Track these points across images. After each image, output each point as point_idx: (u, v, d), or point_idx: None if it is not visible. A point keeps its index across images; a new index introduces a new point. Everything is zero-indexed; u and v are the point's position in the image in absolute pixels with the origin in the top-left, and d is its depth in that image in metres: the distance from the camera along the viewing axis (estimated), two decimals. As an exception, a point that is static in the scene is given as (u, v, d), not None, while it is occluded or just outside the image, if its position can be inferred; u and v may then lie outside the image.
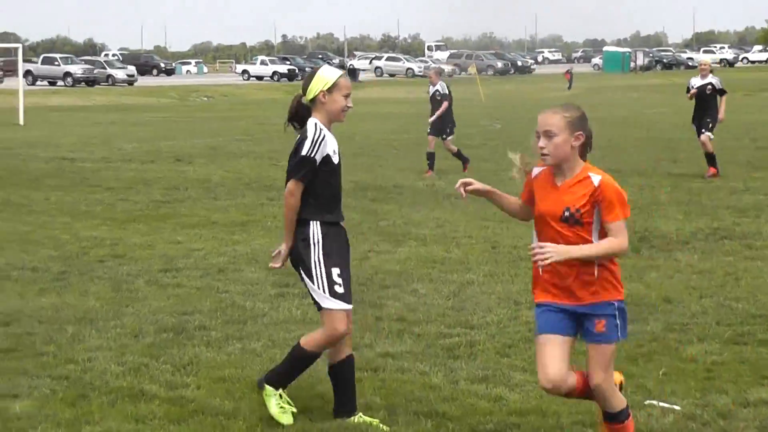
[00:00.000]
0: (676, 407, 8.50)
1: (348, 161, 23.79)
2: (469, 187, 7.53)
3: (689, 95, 25.01)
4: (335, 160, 8.62)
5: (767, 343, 10.35)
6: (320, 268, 8.30)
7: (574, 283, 6.80)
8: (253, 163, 28.90)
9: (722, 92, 24.62)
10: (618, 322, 6.84)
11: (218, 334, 10.91)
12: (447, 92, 26.28)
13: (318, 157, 8.42)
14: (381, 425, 8.23)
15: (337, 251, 8.49)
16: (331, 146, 8.57)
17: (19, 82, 55.48)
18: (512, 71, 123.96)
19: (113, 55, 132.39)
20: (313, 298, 8.38)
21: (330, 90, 8.56)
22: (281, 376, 8.47)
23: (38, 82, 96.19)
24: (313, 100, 8.54)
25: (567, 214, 6.60)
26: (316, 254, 8.33)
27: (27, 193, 22.42)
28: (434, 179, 24.15)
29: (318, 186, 8.54)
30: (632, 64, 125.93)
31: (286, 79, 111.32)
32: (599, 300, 6.76)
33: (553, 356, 6.76)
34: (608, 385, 6.83)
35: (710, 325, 11.03)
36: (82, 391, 9.12)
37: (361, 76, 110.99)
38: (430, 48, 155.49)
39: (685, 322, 11.15)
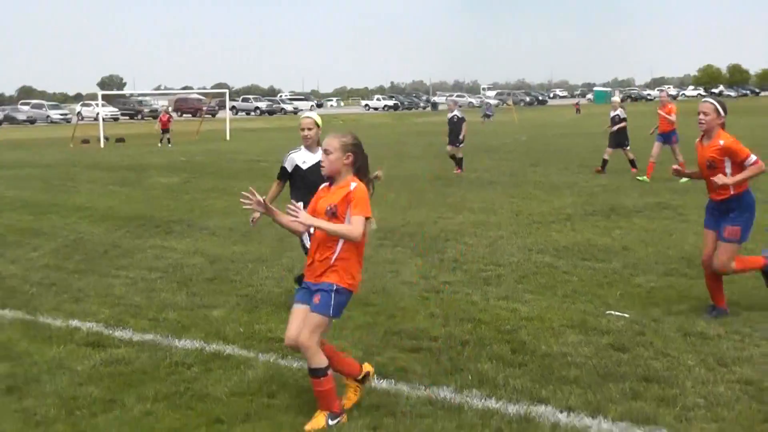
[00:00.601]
0: (626, 315, 8.41)
1: (429, 161, 23.81)
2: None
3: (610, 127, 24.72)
4: (303, 167, 8.97)
5: (686, 275, 10.18)
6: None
7: (316, 264, 5.97)
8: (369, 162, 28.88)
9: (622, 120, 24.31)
10: (331, 301, 5.85)
11: (341, 269, 10.95)
12: (463, 116, 24.96)
13: (287, 166, 9.04)
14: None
15: None
16: (300, 158, 9.03)
17: (226, 113, 55.99)
18: (535, 103, 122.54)
19: (285, 95, 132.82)
20: None
21: (298, 126, 9.24)
22: None
23: (239, 113, 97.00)
24: None
25: (328, 208, 6.08)
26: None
27: (229, 182, 22.61)
28: (463, 174, 23.69)
29: (294, 182, 9.03)
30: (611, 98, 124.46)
31: (392, 109, 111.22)
32: (324, 281, 5.89)
33: (291, 321, 5.99)
34: (309, 344, 5.79)
35: (651, 264, 10.87)
36: (256, 304, 9.21)
37: (440, 107, 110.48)
38: (484, 88, 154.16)
39: (635, 262, 10.99)
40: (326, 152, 6.04)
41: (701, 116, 8.46)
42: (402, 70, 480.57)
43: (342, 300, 5.94)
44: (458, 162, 24.38)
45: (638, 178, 20.99)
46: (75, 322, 8.49)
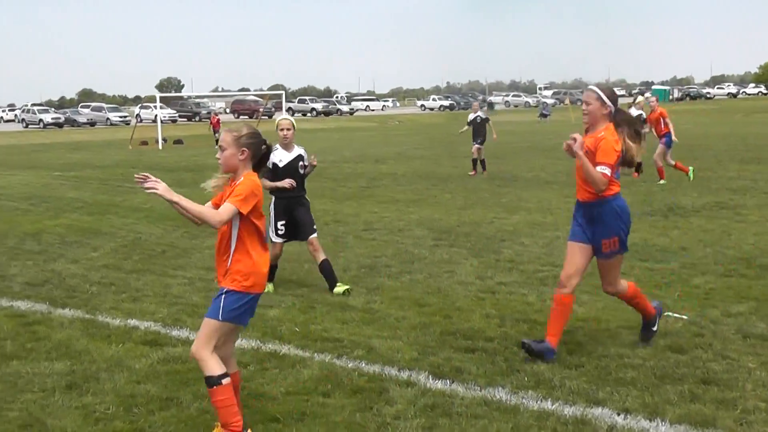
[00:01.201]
0: (685, 317, 8.31)
1: (486, 160, 23.67)
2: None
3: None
4: (280, 165, 9.89)
5: (746, 276, 10.06)
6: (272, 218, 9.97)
7: (219, 269, 5.68)
8: (424, 162, 28.92)
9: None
10: (221, 304, 5.49)
11: (396, 270, 10.95)
12: (487, 117, 25.03)
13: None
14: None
15: (282, 211, 10.02)
16: (277, 157, 9.88)
17: (283, 115, 56.31)
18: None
19: (341, 96, 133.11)
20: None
21: (276, 127, 10.10)
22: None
23: (295, 114, 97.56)
24: None
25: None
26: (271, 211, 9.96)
27: (284, 182, 22.76)
28: (484, 175, 23.56)
29: (272, 179, 9.76)
30: (671, 96, 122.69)
31: (448, 109, 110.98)
32: (220, 285, 5.60)
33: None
34: (199, 354, 5.46)
35: (710, 264, 10.73)
36: (311, 304, 9.24)
37: (496, 107, 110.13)
38: (540, 88, 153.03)
39: (693, 263, 10.85)
40: (221, 148, 5.71)
41: (584, 106, 7.42)
42: (458, 70, 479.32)
43: (232, 302, 5.53)
44: (482, 163, 24.18)
45: (659, 182, 20.28)
46: (133, 321, 8.59)
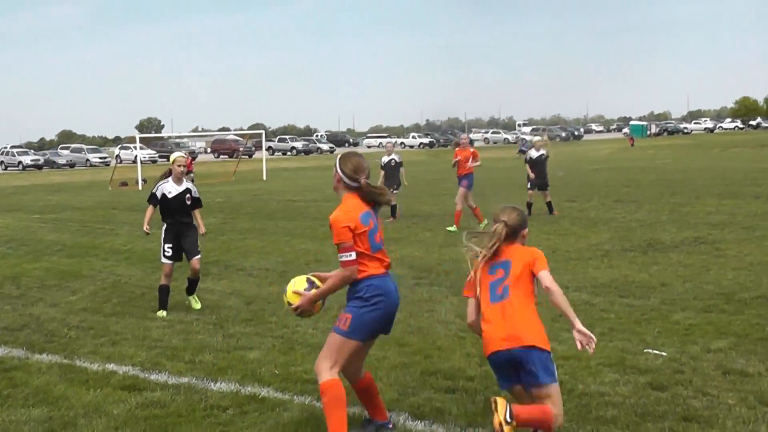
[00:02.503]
0: (664, 353, 8.34)
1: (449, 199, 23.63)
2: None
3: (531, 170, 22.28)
4: (169, 196, 11.25)
5: (725, 311, 10.11)
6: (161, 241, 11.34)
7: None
8: (405, 200, 28.88)
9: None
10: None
11: (376, 309, 10.94)
12: (401, 161, 23.11)
13: (156, 192, 11.32)
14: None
15: (171, 237, 11.23)
16: (167, 189, 11.31)
17: (263, 154, 56.51)
18: (571, 138, 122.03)
19: (321, 135, 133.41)
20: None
21: (173, 162, 11.42)
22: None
23: (275, 153, 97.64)
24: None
25: None
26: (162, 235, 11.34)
27: (265, 222, 22.77)
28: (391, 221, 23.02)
29: (161, 208, 11.30)
30: (648, 132, 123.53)
31: (428, 147, 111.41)
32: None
33: None
34: None
35: (689, 300, 10.78)
36: (292, 345, 9.22)
37: (476, 144, 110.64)
38: (519, 124, 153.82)
39: (673, 298, 10.91)
40: None
41: None
42: (437, 108, 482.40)
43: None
44: (393, 210, 22.30)
45: (448, 228, 19.51)
46: (112, 366, 8.54)
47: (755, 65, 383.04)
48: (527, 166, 22.64)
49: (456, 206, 20.06)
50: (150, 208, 11.39)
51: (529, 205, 21.71)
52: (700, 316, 9.93)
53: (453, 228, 19.25)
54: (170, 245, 11.23)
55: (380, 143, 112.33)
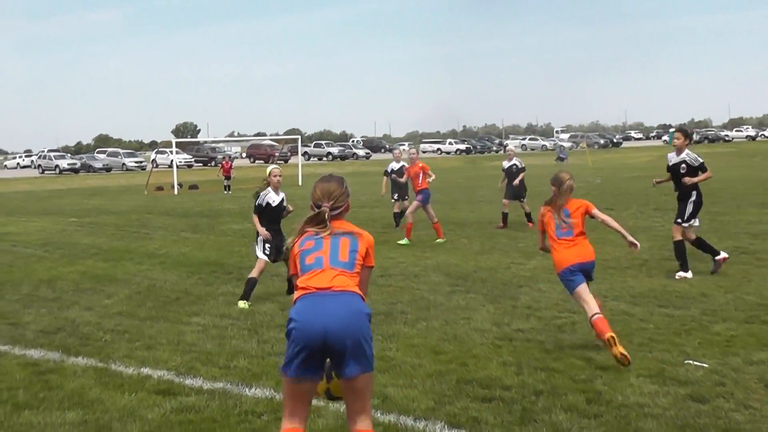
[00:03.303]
0: (705, 365, 8.22)
1: (501, 205, 23.53)
2: None
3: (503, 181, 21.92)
4: (273, 205, 12.49)
5: (767, 322, 10.00)
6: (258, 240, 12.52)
7: None
8: (441, 207, 28.80)
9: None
10: None
11: (412, 316, 10.90)
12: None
13: (262, 203, 12.46)
14: None
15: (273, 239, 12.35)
16: (271, 198, 12.50)
17: (299, 159, 56.78)
18: (610, 145, 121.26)
19: (357, 141, 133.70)
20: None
21: (269, 174, 12.62)
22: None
23: (311, 159, 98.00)
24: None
25: None
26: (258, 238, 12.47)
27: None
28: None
29: (262, 216, 12.45)
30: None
31: (464, 153, 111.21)
32: None
33: None
34: None
35: (730, 311, 10.64)
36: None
37: (514, 150, 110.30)
38: (557, 131, 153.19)
39: (714, 309, 10.77)
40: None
41: None
42: (474, 114, 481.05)
43: None
44: (395, 217, 22.38)
45: (399, 242, 18.78)
46: (146, 370, 8.58)
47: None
48: (502, 174, 22.54)
49: (407, 219, 19.31)
50: (255, 217, 12.50)
51: (504, 215, 21.77)
52: (742, 327, 9.80)
53: (404, 241, 18.67)
54: (269, 245, 12.40)
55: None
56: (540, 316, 10.75)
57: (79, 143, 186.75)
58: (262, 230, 12.36)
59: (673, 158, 13.75)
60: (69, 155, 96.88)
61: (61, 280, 14.59)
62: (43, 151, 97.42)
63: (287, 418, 5.39)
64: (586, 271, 8.95)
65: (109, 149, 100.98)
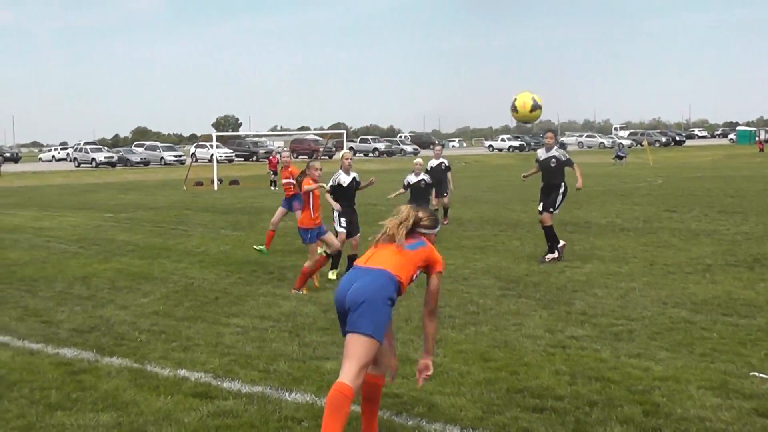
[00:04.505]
0: (772, 378, 8.14)
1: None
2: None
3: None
4: (344, 185, 14.67)
5: (841, 334, 9.84)
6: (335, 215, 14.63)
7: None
8: (492, 206, 28.80)
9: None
10: None
11: (460, 321, 10.88)
12: (449, 165, 23.20)
13: (334, 183, 14.66)
14: None
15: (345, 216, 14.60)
16: (342, 179, 14.71)
17: (345, 148, 56.72)
18: (672, 144, 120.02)
19: (405, 136, 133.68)
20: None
21: (342, 157, 15.06)
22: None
23: (357, 154, 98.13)
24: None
25: None
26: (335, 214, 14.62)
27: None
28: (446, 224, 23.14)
29: (336, 195, 14.58)
30: (756, 138, 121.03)
31: (517, 150, 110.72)
32: None
33: None
34: None
35: (801, 321, 10.52)
36: (370, 356, 9.21)
37: (569, 148, 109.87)
38: (616, 128, 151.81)
39: (782, 319, 10.66)
40: None
41: None
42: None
43: None
44: (445, 213, 23.31)
45: (255, 246, 18.27)
46: (183, 372, 8.65)
47: None
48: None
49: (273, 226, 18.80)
50: (328, 195, 14.44)
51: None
52: (812, 338, 9.67)
53: (261, 247, 18.08)
54: (345, 220, 14.53)
55: (490, 145, 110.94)
56: (595, 322, 10.67)
57: (116, 136, 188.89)
58: (335, 204, 14.36)
59: (543, 154, 16.63)
60: (106, 148, 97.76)
61: (96, 278, 14.76)
62: (78, 144, 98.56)
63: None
64: None
65: (148, 143, 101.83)
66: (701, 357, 8.96)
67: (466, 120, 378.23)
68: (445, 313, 11.33)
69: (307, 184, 13.41)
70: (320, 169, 13.56)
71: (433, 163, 22.80)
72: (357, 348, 6.03)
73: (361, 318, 6.04)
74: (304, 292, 13.07)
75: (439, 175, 22.56)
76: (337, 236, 14.40)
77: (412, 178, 20.80)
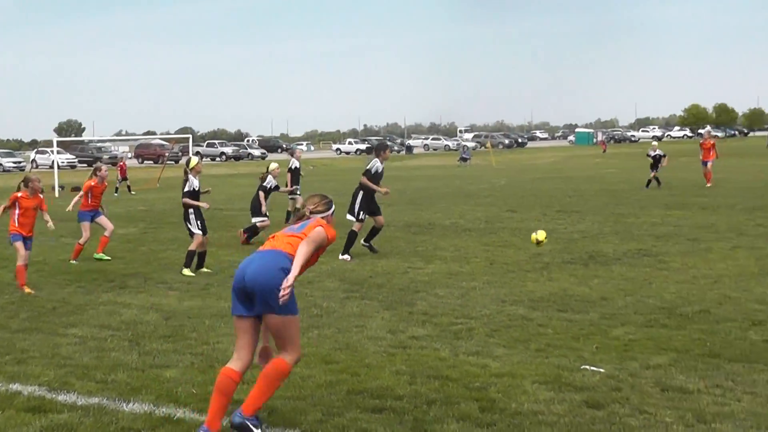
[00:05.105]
0: (602, 370, 8.42)
1: (401, 207, 23.73)
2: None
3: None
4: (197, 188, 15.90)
5: (666, 326, 10.27)
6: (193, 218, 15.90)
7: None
8: (338, 210, 28.81)
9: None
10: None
11: (303, 324, 10.82)
12: (297, 166, 23.41)
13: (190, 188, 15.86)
14: None
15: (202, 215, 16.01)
16: (196, 184, 15.87)
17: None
18: (515, 146, 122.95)
19: (253, 140, 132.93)
20: None
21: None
22: None
23: (204, 159, 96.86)
24: None
25: None
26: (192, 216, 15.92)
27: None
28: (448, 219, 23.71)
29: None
30: (594, 140, 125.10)
31: (365, 153, 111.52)
32: None
33: None
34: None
35: (630, 315, 10.93)
36: (211, 363, 9.10)
37: (415, 151, 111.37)
38: (461, 131, 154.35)
39: (613, 313, 11.05)
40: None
41: None
42: (375, 113, 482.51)
43: None
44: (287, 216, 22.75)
45: (95, 255, 17.77)
46: (16, 386, 8.36)
47: (705, 73, 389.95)
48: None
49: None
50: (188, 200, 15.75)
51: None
52: (641, 331, 10.06)
53: (100, 255, 17.74)
54: (202, 221, 15.80)
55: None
56: (436, 322, 10.84)
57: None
58: (203, 204, 15.79)
59: (380, 167, 17.70)
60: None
61: (-74, 291, 14.13)
62: None
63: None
64: None
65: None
66: (537, 352, 9.22)
67: (315, 123, 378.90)
68: (289, 317, 11.30)
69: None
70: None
71: (296, 164, 23.53)
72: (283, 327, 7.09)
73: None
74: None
75: (298, 176, 23.27)
76: (193, 237, 15.56)
77: (272, 182, 21.37)
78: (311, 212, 7.81)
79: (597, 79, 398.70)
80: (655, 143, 39.97)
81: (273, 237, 7.53)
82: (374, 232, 17.74)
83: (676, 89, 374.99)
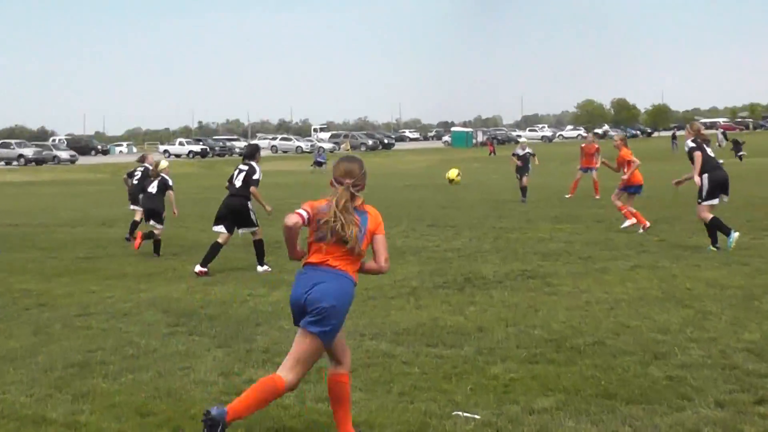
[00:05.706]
0: (477, 416, 8.42)
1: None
2: None
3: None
4: None
5: (554, 362, 10.37)
6: None
7: None
8: (166, 225, 28.48)
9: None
10: None
11: (115, 368, 10.62)
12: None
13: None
14: None
15: None
16: None
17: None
18: (380, 147, 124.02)
19: (60, 140, 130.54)
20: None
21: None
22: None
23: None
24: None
25: None
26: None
27: (-24, 254, 21.86)
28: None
29: None
30: (474, 141, 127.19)
31: (199, 156, 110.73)
32: None
33: None
34: None
35: (511, 349, 11.01)
36: (-4, 418, 8.81)
37: (262, 153, 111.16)
38: (315, 130, 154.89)
39: (492, 347, 11.11)
40: None
41: None
42: (214, 108, 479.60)
43: None
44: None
45: None
46: None
47: (601, 65, 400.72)
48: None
49: None
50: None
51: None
52: (524, 368, 10.13)
53: None
54: None
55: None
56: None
57: None
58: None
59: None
60: None
61: None
62: None
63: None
64: None
65: None
66: (400, 396, 9.17)
67: (140, 120, 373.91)
68: (96, 358, 11.04)
69: None
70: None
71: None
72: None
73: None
74: None
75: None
76: None
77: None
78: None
79: (477, 70, 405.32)
80: (523, 139, 41.64)
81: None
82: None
83: (568, 83, 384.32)
